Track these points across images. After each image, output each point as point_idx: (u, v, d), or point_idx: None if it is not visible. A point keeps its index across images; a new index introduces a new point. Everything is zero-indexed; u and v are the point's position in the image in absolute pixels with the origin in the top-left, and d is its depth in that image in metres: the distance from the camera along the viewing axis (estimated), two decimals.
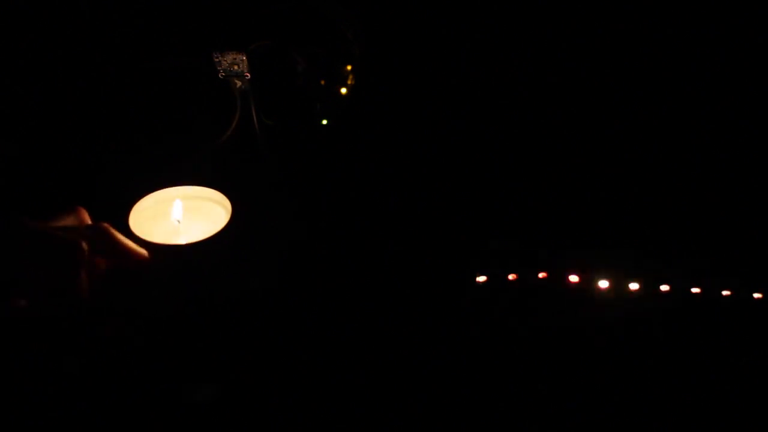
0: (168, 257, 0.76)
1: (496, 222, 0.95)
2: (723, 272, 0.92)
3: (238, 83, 0.89)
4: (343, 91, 1.02)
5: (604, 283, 0.90)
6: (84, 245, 0.60)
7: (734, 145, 1.06)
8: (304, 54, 0.96)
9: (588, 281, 0.90)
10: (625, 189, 1.02)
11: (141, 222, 0.80)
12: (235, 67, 0.88)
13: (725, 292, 0.91)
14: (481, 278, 0.88)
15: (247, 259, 0.81)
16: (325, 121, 1.01)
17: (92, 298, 0.66)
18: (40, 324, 0.75)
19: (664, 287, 0.90)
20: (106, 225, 0.66)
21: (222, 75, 0.88)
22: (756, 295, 0.91)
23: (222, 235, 0.77)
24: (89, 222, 0.66)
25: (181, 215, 0.82)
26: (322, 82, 1.00)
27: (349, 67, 1.02)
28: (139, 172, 0.87)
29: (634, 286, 0.90)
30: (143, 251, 0.69)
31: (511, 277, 0.89)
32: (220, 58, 0.87)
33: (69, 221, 0.64)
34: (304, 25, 0.98)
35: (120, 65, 1.02)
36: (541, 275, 0.89)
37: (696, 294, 0.91)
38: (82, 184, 0.91)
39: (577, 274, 0.90)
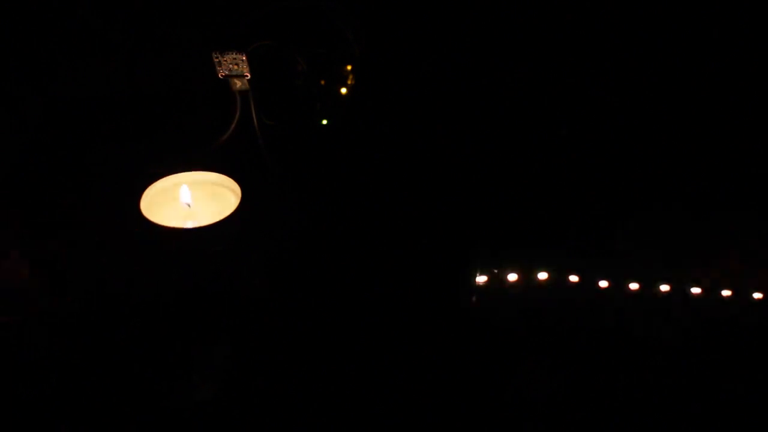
0: (178, 240, 0.77)
1: (496, 222, 0.95)
2: (723, 272, 0.92)
3: (238, 83, 0.89)
4: (343, 91, 1.02)
5: (604, 283, 0.90)
6: None
7: (734, 145, 1.06)
8: (304, 54, 0.96)
9: (588, 281, 0.90)
10: (625, 190, 1.02)
11: (152, 206, 0.81)
12: (235, 67, 0.88)
13: (725, 292, 0.91)
14: (481, 278, 0.88)
15: (255, 246, 0.82)
16: (325, 121, 1.01)
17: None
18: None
19: (664, 287, 0.90)
20: None
21: (222, 75, 0.88)
22: (756, 295, 0.91)
23: (231, 220, 0.78)
24: None
25: (190, 199, 0.83)
26: (322, 82, 1.00)
27: (349, 67, 1.02)
28: (152, 158, 0.88)
29: (634, 286, 0.90)
30: None
31: (511, 277, 0.89)
32: (220, 58, 0.87)
33: None
34: (304, 25, 0.98)
35: (121, 64, 1.02)
36: (541, 275, 0.90)
37: (696, 294, 0.91)
38: (96, 168, 0.91)
39: (577, 275, 0.90)
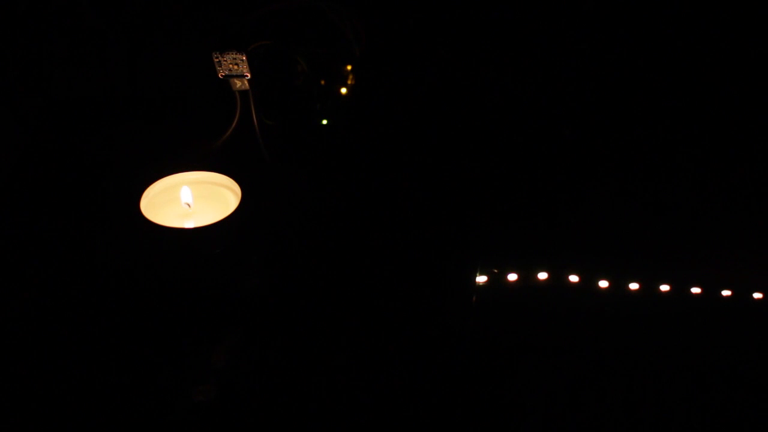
0: (178, 240, 0.77)
1: (496, 221, 0.95)
2: (723, 272, 0.92)
3: (238, 83, 0.89)
4: (343, 91, 1.02)
5: (604, 283, 0.90)
6: None
7: (734, 145, 1.06)
8: (304, 54, 0.96)
9: (588, 281, 0.90)
10: (625, 189, 1.02)
11: (152, 206, 0.82)
12: (235, 67, 0.88)
13: (725, 292, 0.91)
14: (481, 278, 0.88)
15: (255, 246, 0.82)
16: (325, 121, 1.01)
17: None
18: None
19: (664, 287, 0.90)
20: None
21: (222, 75, 0.88)
22: (756, 295, 0.91)
23: (231, 220, 0.78)
24: None
25: (191, 199, 0.83)
26: (322, 82, 1.00)
27: (349, 67, 1.02)
28: (152, 157, 0.88)
29: (634, 286, 0.90)
30: None
31: (511, 277, 0.89)
32: (220, 58, 0.87)
33: None
34: (304, 25, 0.98)
35: (121, 64, 1.02)
36: (541, 275, 0.89)
37: (696, 294, 0.91)
38: (96, 168, 0.92)
39: (577, 274, 0.90)
